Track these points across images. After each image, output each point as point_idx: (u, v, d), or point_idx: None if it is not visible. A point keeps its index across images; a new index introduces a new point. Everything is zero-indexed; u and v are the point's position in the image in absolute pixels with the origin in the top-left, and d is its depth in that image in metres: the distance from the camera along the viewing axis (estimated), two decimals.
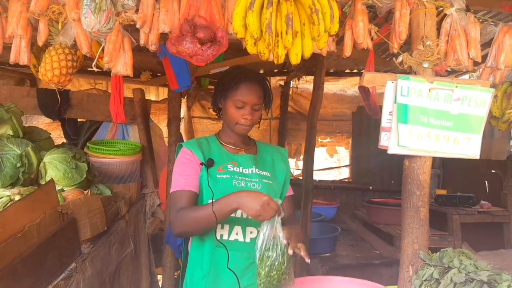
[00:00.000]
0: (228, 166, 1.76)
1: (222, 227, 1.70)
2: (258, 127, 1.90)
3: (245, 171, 1.77)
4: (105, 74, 3.68)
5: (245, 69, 1.81)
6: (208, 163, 1.72)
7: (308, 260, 1.51)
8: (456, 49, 1.61)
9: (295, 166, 6.17)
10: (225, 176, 1.73)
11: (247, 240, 1.71)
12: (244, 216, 1.71)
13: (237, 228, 1.72)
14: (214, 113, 1.90)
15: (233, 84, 1.74)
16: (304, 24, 1.52)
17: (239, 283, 1.63)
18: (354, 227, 4.52)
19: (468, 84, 1.55)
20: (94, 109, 3.58)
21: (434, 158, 1.62)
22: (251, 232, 1.72)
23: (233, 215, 1.64)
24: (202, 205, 1.67)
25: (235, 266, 1.65)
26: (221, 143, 1.84)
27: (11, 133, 2.19)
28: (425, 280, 1.49)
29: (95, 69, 1.59)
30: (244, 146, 1.86)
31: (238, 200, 1.50)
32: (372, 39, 1.65)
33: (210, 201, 1.62)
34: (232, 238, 1.71)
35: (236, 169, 1.76)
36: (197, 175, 1.73)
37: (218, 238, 1.70)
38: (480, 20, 1.67)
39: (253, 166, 1.78)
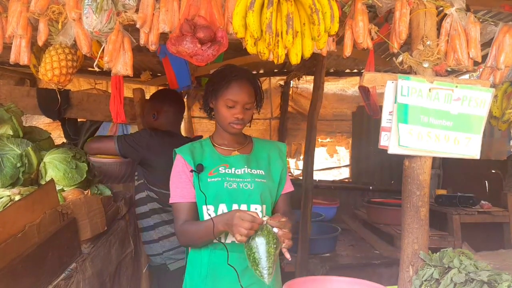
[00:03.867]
0: (220, 168, 1.77)
1: None
2: (250, 126, 1.90)
3: (237, 171, 1.77)
4: (105, 74, 3.67)
5: (235, 68, 1.82)
6: (198, 169, 1.75)
7: (288, 257, 1.54)
8: (456, 49, 1.61)
9: (295, 166, 6.17)
10: (215, 179, 1.74)
11: None
12: None
13: None
14: (206, 114, 1.91)
15: (223, 84, 1.74)
16: (304, 24, 1.52)
17: (239, 278, 1.63)
18: (354, 227, 4.52)
19: (468, 84, 1.55)
20: (94, 109, 3.57)
21: (434, 158, 1.62)
22: None
23: None
24: (201, 221, 1.74)
25: (234, 267, 1.65)
26: (214, 145, 1.85)
27: (11, 133, 2.19)
28: (425, 280, 1.49)
29: (96, 69, 1.59)
30: (238, 145, 1.86)
31: (222, 224, 1.58)
32: (372, 39, 1.65)
33: (207, 213, 1.73)
34: (229, 240, 1.72)
35: (228, 170, 1.77)
36: (190, 184, 1.77)
37: (216, 240, 1.71)
38: (480, 20, 1.67)
39: (245, 166, 1.78)
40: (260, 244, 1.47)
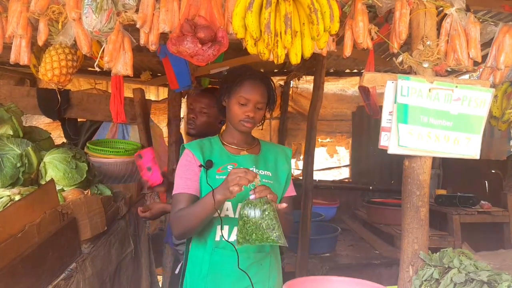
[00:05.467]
0: (228, 167, 1.77)
1: (222, 228, 1.71)
2: (261, 129, 1.91)
3: None
4: (105, 74, 3.66)
5: (250, 68, 1.85)
6: (207, 165, 1.75)
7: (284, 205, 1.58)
8: (456, 49, 1.61)
9: (295, 166, 6.17)
10: (223, 177, 1.73)
11: None
12: None
13: (236, 229, 1.72)
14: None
15: (237, 81, 1.77)
16: (303, 23, 1.52)
17: (251, 281, 1.64)
18: (354, 227, 4.52)
19: (468, 84, 1.55)
20: (94, 109, 3.58)
21: (434, 158, 1.62)
22: None
23: (231, 215, 1.68)
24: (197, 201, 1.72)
25: (235, 266, 1.64)
26: (223, 144, 1.85)
27: (11, 133, 2.19)
28: (425, 280, 1.49)
29: (97, 69, 1.59)
30: (246, 146, 1.87)
31: (220, 193, 1.56)
32: (372, 39, 1.65)
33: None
34: (231, 239, 1.72)
35: None
36: (196, 178, 1.76)
37: (218, 239, 1.71)
38: (480, 20, 1.67)
39: (253, 166, 1.78)
40: (270, 209, 1.52)
